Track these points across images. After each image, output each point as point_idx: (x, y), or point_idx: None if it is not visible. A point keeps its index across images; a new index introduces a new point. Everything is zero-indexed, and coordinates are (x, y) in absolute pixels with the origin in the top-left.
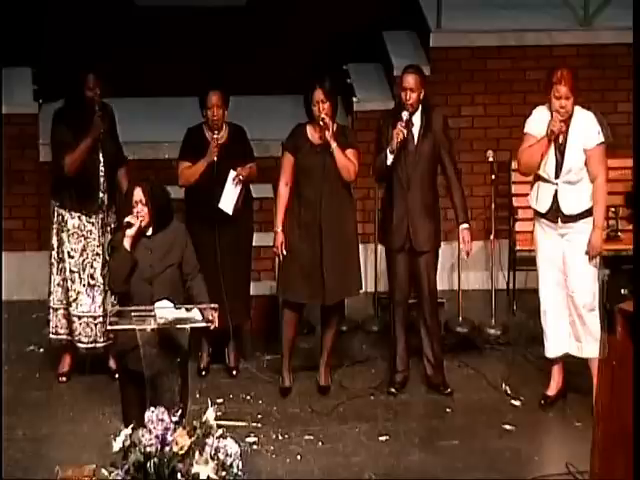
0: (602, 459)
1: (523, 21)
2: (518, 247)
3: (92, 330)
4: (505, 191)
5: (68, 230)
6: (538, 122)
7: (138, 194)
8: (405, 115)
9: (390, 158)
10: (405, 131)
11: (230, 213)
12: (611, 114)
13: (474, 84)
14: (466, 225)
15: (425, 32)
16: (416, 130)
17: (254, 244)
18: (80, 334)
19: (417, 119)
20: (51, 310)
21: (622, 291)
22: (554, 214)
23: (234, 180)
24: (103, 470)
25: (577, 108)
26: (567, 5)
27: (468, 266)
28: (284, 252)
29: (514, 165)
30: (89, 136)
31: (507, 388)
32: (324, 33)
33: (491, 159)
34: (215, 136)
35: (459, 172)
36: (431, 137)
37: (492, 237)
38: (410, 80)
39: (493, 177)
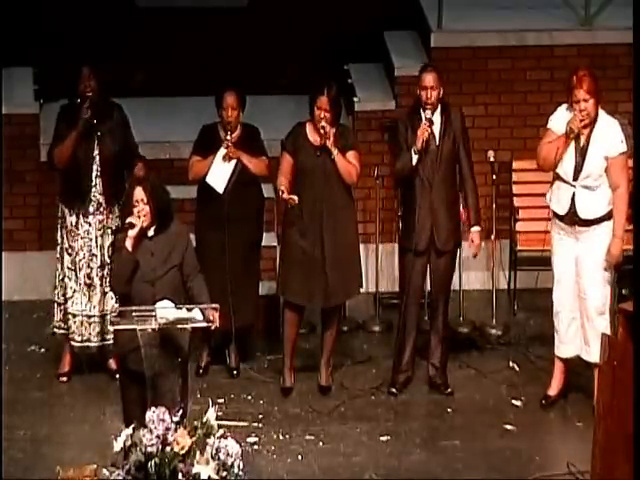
0: (603, 459)
1: (524, 21)
2: (519, 247)
3: (86, 329)
4: (506, 191)
5: (66, 227)
6: (560, 119)
7: (139, 193)
8: (428, 114)
9: (415, 158)
10: (429, 130)
11: (219, 190)
12: (612, 114)
13: (475, 84)
14: (478, 228)
15: (426, 32)
16: (437, 129)
17: None
18: (74, 332)
19: (437, 118)
20: (55, 305)
21: (622, 291)
22: (571, 218)
23: (224, 157)
24: (104, 470)
25: (602, 113)
26: (568, 5)
27: (469, 266)
28: (295, 199)
29: (515, 165)
30: (74, 129)
31: (515, 365)
32: (325, 33)
33: (492, 159)
34: (228, 137)
35: (473, 171)
36: (451, 135)
37: (493, 237)
38: (430, 79)
39: (494, 177)
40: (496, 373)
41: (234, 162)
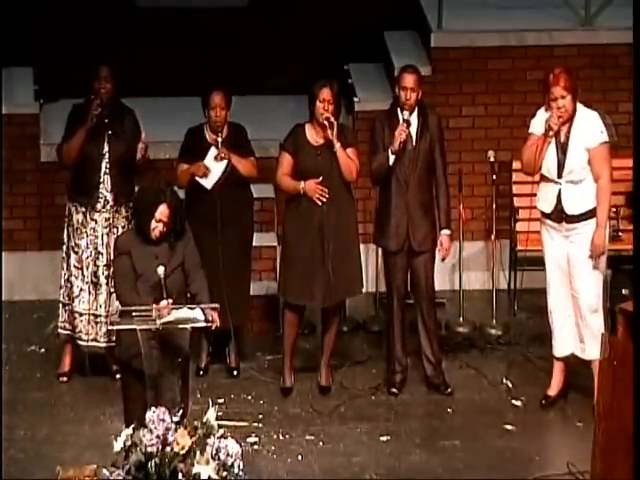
0: (603, 459)
1: (524, 21)
2: (519, 247)
3: (93, 328)
4: (506, 191)
5: (73, 225)
6: (540, 122)
7: (163, 212)
8: (406, 115)
9: (392, 159)
10: (407, 131)
11: (208, 187)
12: (612, 114)
13: (475, 84)
14: (447, 231)
15: (426, 32)
16: (414, 130)
17: (255, 244)
18: (81, 331)
19: (414, 119)
20: (60, 305)
21: (623, 291)
22: (558, 215)
23: (216, 158)
24: (104, 470)
25: (581, 108)
26: (568, 5)
27: (469, 266)
28: (326, 190)
29: (515, 165)
30: (83, 125)
31: (508, 383)
32: (325, 33)
33: (492, 159)
34: (219, 139)
35: (447, 175)
36: (428, 137)
37: (493, 237)
38: (410, 80)
39: (494, 177)
40: (496, 373)
41: (225, 162)
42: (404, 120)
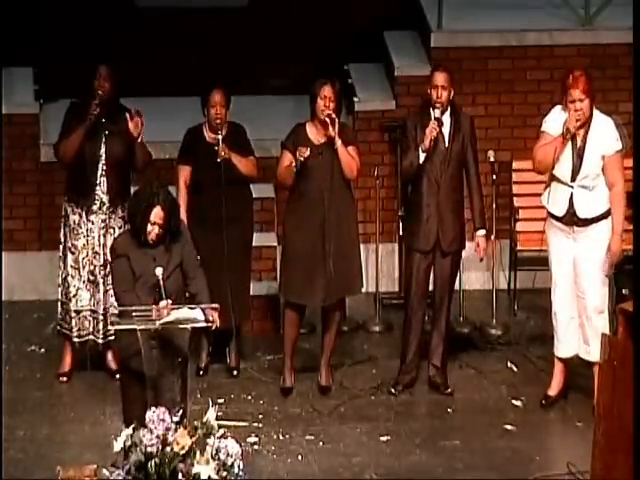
0: (603, 459)
1: (524, 21)
2: (519, 247)
3: (90, 323)
4: (506, 191)
5: (69, 225)
6: (555, 121)
7: (158, 214)
8: (437, 113)
9: (422, 157)
10: (438, 129)
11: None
12: (612, 114)
13: (475, 84)
14: (483, 231)
15: (426, 32)
16: (446, 130)
17: (255, 244)
18: (79, 329)
19: (446, 119)
20: (60, 303)
21: (623, 291)
22: (570, 218)
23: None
24: (104, 470)
25: (597, 113)
26: (568, 5)
27: (469, 266)
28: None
29: (515, 165)
30: (82, 125)
31: (513, 367)
32: (325, 33)
33: (492, 159)
34: (219, 137)
35: (479, 175)
36: (460, 137)
37: (493, 237)
38: (441, 78)
39: (494, 177)
40: (496, 373)
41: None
42: (435, 118)
